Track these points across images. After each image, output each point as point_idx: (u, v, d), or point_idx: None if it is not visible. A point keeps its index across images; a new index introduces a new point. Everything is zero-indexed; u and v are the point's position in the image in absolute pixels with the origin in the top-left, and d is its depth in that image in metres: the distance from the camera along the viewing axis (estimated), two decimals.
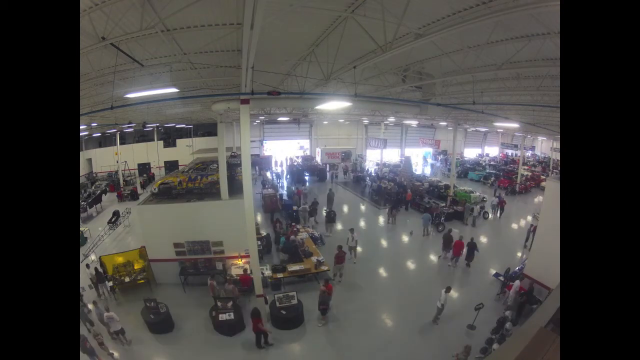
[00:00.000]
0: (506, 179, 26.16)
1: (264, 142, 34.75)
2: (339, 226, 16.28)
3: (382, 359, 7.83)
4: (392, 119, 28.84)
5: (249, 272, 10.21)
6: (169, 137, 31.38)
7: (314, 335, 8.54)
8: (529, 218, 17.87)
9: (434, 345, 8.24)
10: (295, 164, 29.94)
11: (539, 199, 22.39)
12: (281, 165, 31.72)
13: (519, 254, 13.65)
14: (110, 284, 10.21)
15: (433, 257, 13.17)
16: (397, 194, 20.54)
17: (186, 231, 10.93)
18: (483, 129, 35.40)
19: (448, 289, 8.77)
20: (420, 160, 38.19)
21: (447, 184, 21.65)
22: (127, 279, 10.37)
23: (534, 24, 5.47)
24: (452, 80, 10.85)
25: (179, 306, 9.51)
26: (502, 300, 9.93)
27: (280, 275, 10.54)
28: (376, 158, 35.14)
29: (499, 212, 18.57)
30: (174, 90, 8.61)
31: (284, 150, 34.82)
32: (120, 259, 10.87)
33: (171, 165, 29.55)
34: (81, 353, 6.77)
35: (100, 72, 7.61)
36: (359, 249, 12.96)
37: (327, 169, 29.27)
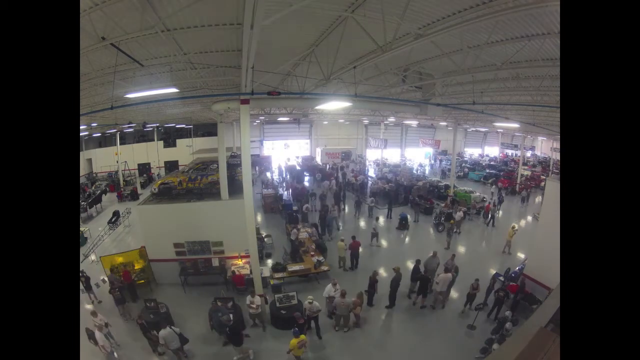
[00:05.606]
0: (506, 179, 26.17)
1: (264, 141, 34.66)
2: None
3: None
4: (392, 119, 28.78)
5: (237, 272, 10.30)
6: (169, 137, 31.35)
7: (314, 335, 8.53)
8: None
9: (436, 346, 8.23)
10: (297, 166, 29.71)
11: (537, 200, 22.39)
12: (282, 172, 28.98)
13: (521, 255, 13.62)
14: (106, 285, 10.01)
15: None
16: (396, 192, 20.72)
17: (186, 231, 10.93)
18: (483, 129, 35.38)
19: None
20: (422, 160, 38.10)
21: (447, 184, 21.65)
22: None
23: (534, 24, 5.47)
24: (452, 80, 10.84)
25: (179, 306, 9.53)
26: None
27: (280, 275, 10.54)
28: (375, 158, 35.12)
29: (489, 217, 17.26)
30: (174, 90, 8.60)
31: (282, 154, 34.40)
32: (120, 259, 10.86)
33: (171, 166, 29.54)
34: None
35: (100, 72, 7.61)
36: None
37: (327, 169, 29.04)
